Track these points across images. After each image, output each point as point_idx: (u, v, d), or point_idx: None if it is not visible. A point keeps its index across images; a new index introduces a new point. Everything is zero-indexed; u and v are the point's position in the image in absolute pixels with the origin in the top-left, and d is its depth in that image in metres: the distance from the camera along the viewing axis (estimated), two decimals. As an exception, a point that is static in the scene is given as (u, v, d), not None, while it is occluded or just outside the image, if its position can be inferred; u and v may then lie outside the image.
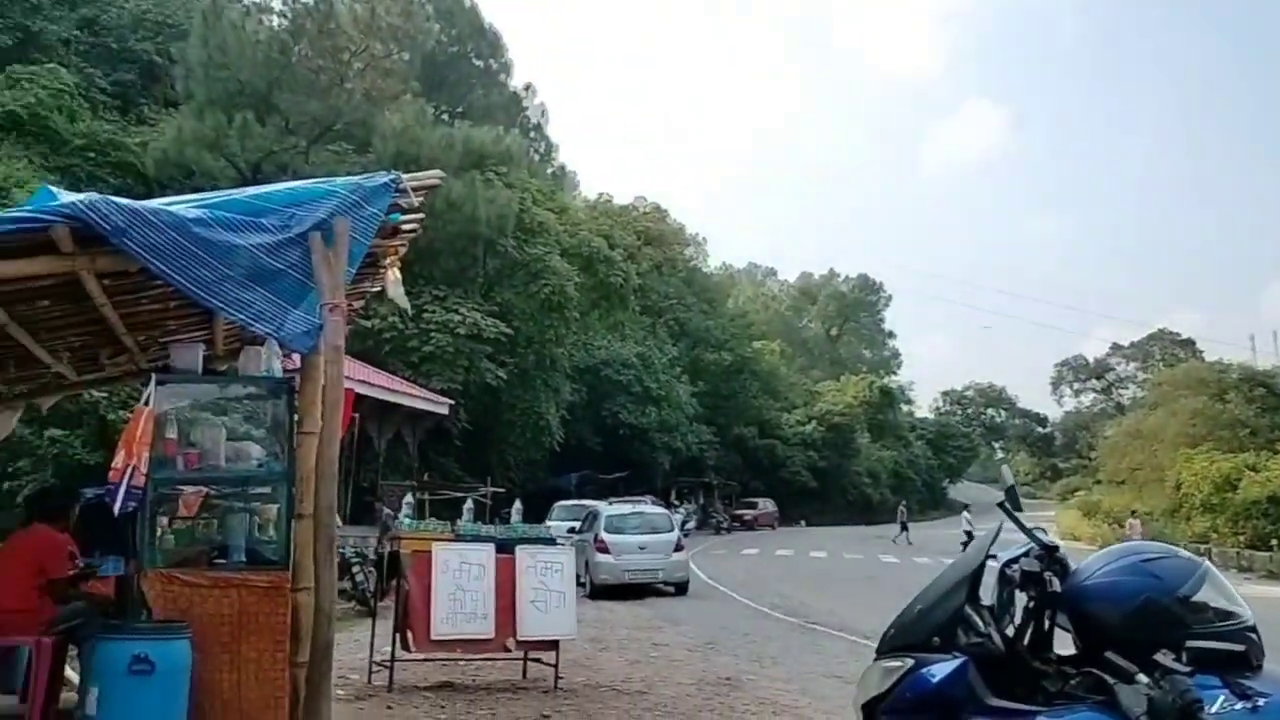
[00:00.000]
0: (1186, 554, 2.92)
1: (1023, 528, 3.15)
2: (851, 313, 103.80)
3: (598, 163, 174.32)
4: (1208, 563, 2.88)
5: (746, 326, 70.56)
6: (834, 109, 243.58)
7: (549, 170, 54.45)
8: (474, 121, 37.07)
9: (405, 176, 5.94)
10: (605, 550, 19.53)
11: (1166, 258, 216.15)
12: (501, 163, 34.18)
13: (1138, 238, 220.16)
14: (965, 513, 42.19)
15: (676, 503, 47.34)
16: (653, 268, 54.79)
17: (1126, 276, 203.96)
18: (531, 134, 53.40)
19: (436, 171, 6.39)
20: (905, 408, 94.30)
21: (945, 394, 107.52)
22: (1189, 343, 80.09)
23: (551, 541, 10.11)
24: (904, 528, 42.80)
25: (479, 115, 40.45)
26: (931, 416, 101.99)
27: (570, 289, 35.23)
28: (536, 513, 28.42)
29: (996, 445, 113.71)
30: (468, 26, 45.86)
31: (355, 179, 5.88)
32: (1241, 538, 37.49)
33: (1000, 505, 3.26)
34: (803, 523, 57.59)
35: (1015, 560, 3.14)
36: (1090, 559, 3.05)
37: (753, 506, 54.09)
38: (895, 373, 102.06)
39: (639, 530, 20.33)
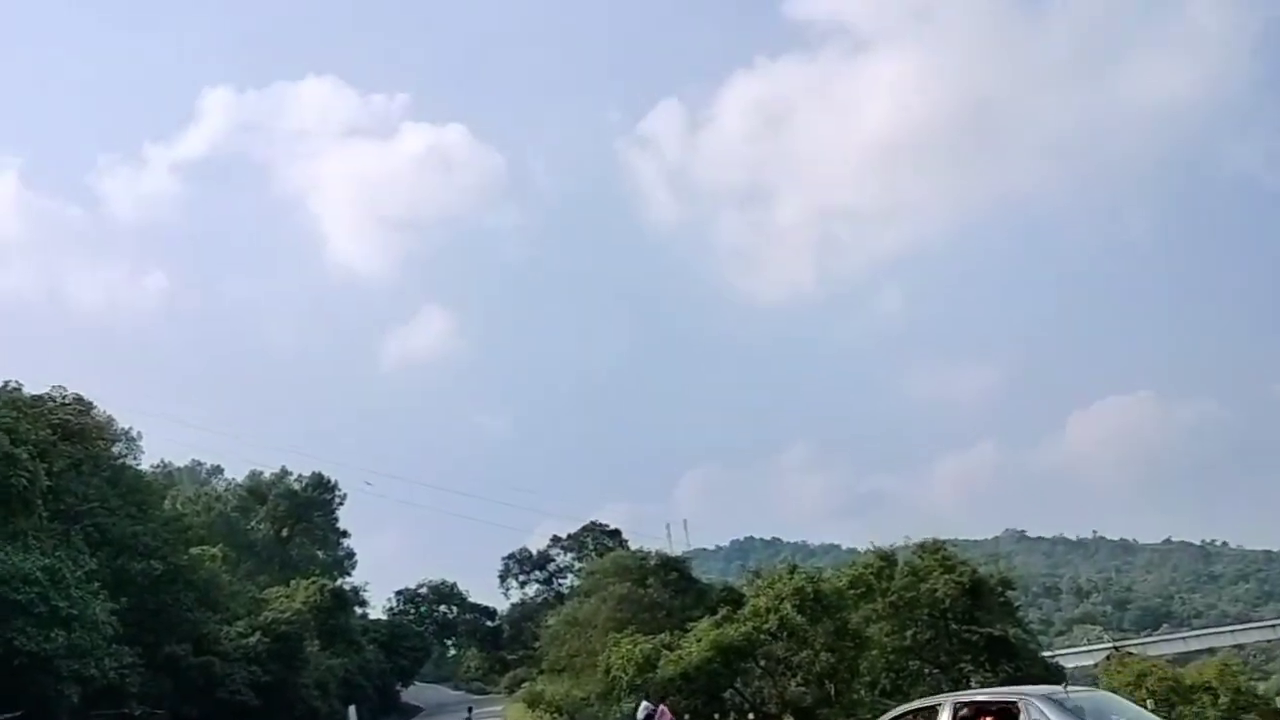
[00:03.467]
0: None
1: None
2: (304, 512, 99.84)
3: (13, 347, 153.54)
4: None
5: (183, 531, 64.36)
6: (293, 304, 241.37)
7: (-63, 352, 46.46)
8: None
9: None
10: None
11: (596, 456, 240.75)
12: None
13: (571, 438, 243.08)
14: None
15: (86, 743, 40.58)
16: (70, 466, 48.22)
17: (563, 473, 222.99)
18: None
19: None
20: (359, 610, 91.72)
21: (399, 593, 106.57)
22: (616, 533, 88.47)
23: None
24: None
25: None
26: (385, 617, 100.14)
27: (-46, 493, 29.62)
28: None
29: (449, 642, 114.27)
30: None
31: None
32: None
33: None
34: (242, 748, 52.24)
35: None
36: None
37: (183, 736, 48.01)
38: (350, 573, 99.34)
39: (23, 786, 16.88)
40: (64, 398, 51.91)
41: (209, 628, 56.77)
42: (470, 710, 42.03)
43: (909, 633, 35.53)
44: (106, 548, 49.51)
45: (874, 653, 36.49)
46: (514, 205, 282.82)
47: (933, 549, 36.96)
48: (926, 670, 36.51)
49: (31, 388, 50.42)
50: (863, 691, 36.50)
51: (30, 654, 37.40)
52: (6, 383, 50.53)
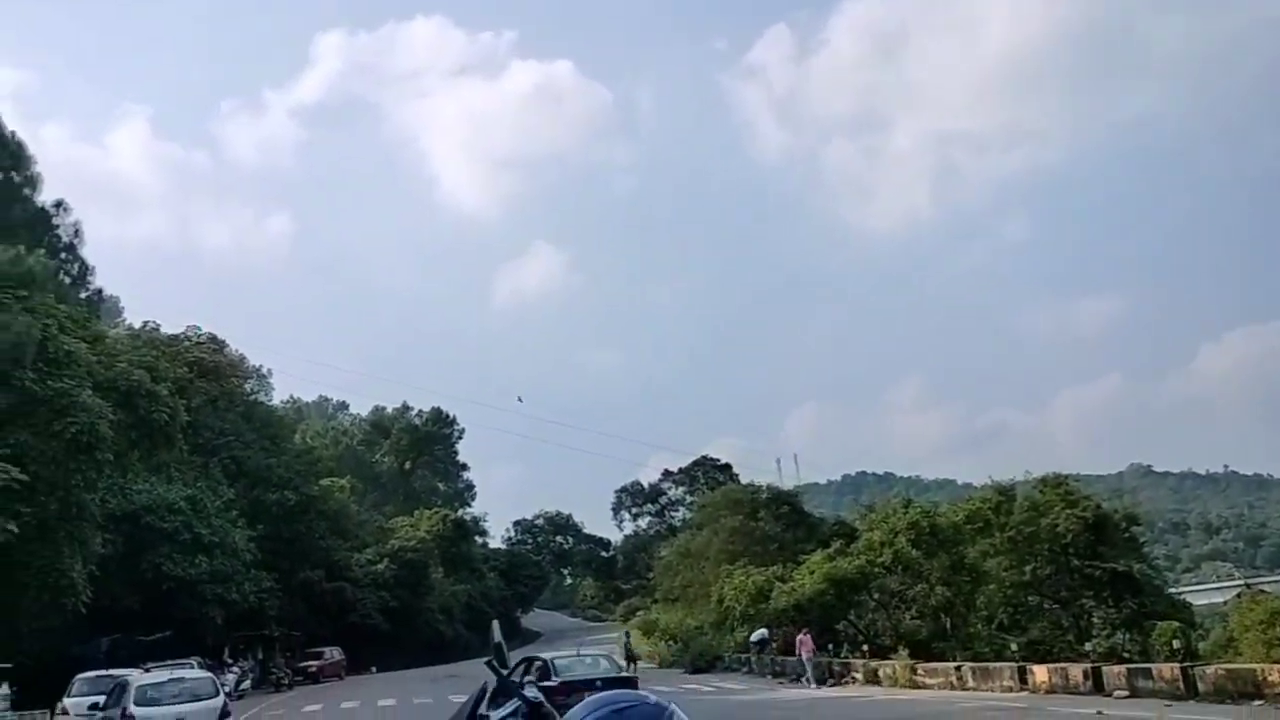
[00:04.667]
0: (655, 699, 3.01)
1: (509, 685, 3.10)
2: (425, 445, 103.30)
3: (149, 289, 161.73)
4: (674, 705, 2.99)
5: (314, 463, 67.51)
6: (408, 243, 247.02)
7: (83, 295, 49.04)
8: (-13, 239, 32.60)
9: None
10: (134, 727, 17.15)
11: (706, 391, 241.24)
12: (21, 285, 30.24)
13: (681, 372, 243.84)
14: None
15: (231, 660, 43.33)
16: (207, 402, 50.92)
17: (673, 408, 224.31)
18: (62, 255, 48.03)
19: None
20: (479, 539, 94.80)
21: (517, 523, 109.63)
22: (727, 467, 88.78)
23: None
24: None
25: (-6, 232, 35.68)
26: (504, 547, 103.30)
27: (104, 428, 31.42)
28: (56, 688, 24.53)
29: (565, 571, 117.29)
30: (-17, 134, 40.66)
31: None
32: (775, 645, 41.43)
33: (488, 664, 3.20)
34: (373, 669, 54.94)
35: (504, 719, 3.07)
36: (570, 713, 3.05)
37: (319, 657, 50.74)
38: (470, 504, 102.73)
39: (177, 699, 18.14)
40: (198, 337, 54.64)
41: (340, 555, 59.68)
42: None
43: (1028, 568, 34.79)
44: (243, 479, 52.31)
45: (991, 587, 35.93)
46: (622, 141, 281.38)
47: (1054, 484, 35.93)
48: (1046, 605, 35.82)
49: (168, 328, 53.22)
50: (979, 625, 36.06)
51: (177, 578, 40.01)
52: (145, 323, 53.48)
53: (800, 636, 34.41)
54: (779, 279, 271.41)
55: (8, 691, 23.06)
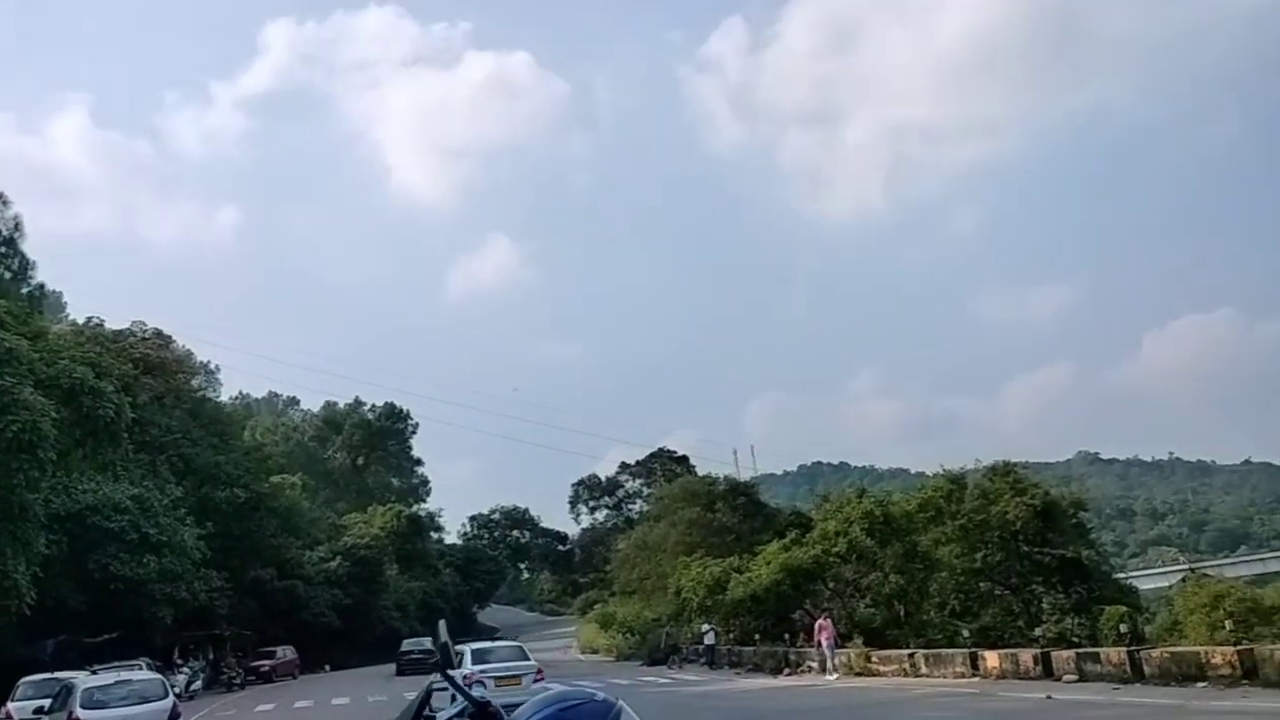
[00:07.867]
0: (603, 695, 2.96)
1: (456, 686, 3.04)
2: (378, 441, 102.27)
3: (93, 284, 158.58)
4: (621, 703, 2.95)
5: (264, 460, 66.57)
6: (360, 236, 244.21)
7: (24, 290, 47.91)
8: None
9: None
10: (81, 730, 16.78)
11: (663, 383, 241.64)
12: (-43, 281, 29.38)
13: (639, 365, 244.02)
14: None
15: (181, 661, 42.68)
16: (153, 399, 49.92)
17: (631, 400, 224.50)
18: (1, 249, 46.87)
19: None
20: (435, 535, 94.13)
21: (473, 518, 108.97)
22: (684, 459, 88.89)
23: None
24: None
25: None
26: (460, 542, 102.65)
27: (46, 426, 30.60)
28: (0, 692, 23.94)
29: (522, 566, 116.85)
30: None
31: None
32: (733, 635, 41.63)
33: (434, 665, 3.14)
34: (327, 667, 54.38)
35: (451, 718, 3.02)
36: (518, 712, 2.99)
37: (271, 656, 50.11)
38: (425, 500, 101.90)
39: (125, 701, 17.81)
40: (144, 332, 53.54)
41: (291, 553, 58.92)
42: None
43: (979, 555, 35.23)
44: (191, 477, 51.38)
45: (943, 575, 36.34)
46: (578, 133, 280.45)
47: (1003, 472, 36.38)
48: (997, 591, 36.33)
49: (112, 323, 52.12)
50: (932, 613, 36.47)
51: (125, 578, 39.19)
52: (89, 319, 52.31)
53: (820, 622, 31.88)
54: (736, 271, 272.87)
55: (-51, 696, 22.45)
